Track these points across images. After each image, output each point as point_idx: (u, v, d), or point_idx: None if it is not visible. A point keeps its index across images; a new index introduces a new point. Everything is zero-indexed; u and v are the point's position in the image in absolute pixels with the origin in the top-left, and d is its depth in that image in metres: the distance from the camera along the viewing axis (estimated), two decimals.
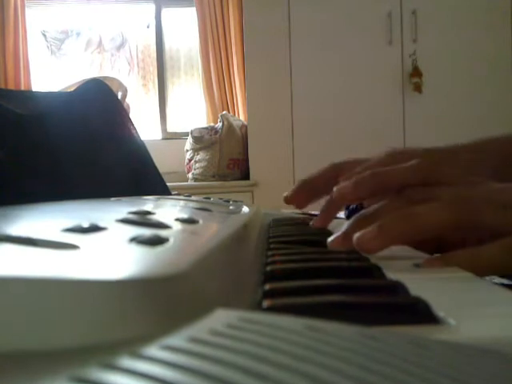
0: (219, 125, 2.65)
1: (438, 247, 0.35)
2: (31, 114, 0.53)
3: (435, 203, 0.30)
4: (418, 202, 0.31)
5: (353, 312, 0.17)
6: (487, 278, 0.50)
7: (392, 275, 0.23)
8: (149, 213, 0.24)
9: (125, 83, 2.72)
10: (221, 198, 0.48)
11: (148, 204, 0.35)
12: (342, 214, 0.59)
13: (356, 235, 0.29)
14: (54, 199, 0.30)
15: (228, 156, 2.62)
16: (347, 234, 0.32)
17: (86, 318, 0.11)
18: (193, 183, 2.65)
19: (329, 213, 0.32)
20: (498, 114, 2.43)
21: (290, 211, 0.65)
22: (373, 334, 0.12)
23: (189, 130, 2.73)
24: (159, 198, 0.40)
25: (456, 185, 0.33)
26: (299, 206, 0.43)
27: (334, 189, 0.31)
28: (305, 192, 0.43)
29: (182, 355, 0.10)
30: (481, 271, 0.26)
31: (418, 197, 0.32)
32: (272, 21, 2.49)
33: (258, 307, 0.18)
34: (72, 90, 0.65)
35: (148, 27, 3.19)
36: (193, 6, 2.97)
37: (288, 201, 0.43)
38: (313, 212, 0.58)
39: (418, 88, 2.43)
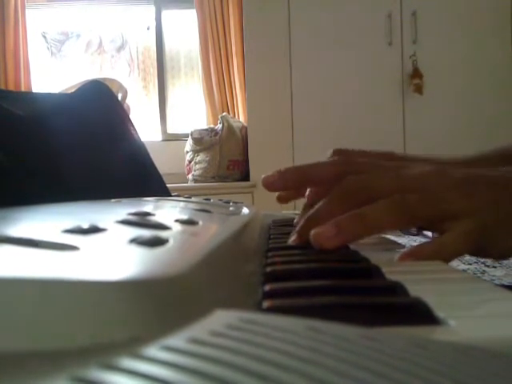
0: (219, 126, 2.65)
1: (420, 229, 0.38)
2: (31, 115, 0.53)
3: (381, 202, 0.32)
4: (355, 195, 0.34)
5: (353, 313, 0.17)
6: (486, 278, 0.50)
7: (392, 276, 0.23)
8: (148, 214, 0.24)
9: (125, 84, 2.72)
10: (221, 200, 0.48)
11: (148, 205, 0.35)
12: None
13: (313, 232, 0.31)
14: (54, 201, 0.30)
15: (228, 157, 2.62)
16: (302, 237, 0.33)
17: (86, 319, 0.11)
18: (193, 184, 2.65)
19: (306, 235, 0.32)
20: (499, 115, 2.42)
21: (290, 212, 0.65)
22: (373, 334, 0.12)
23: (189, 132, 2.73)
24: (159, 200, 0.40)
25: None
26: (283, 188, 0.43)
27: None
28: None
29: (182, 356, 0.10)
30: (447, 259, 0.31)
31: (353, 189, 0.34)
32: (272, 21, 2.49)
33: (258, 308, 0.18)
34: (72, 91, 0.65)
35: (148, 29, 3.19)
36: (192, 8, 2.97)
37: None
38: None
39: (418, 89, 2.42)
